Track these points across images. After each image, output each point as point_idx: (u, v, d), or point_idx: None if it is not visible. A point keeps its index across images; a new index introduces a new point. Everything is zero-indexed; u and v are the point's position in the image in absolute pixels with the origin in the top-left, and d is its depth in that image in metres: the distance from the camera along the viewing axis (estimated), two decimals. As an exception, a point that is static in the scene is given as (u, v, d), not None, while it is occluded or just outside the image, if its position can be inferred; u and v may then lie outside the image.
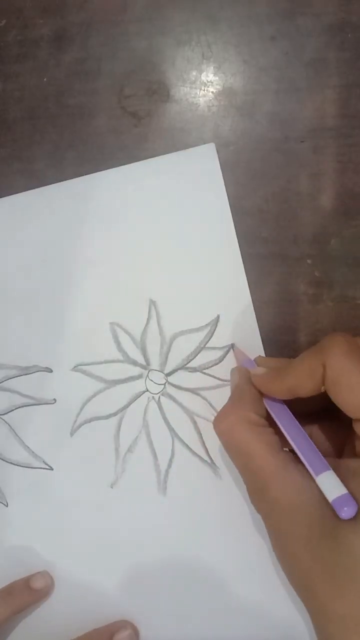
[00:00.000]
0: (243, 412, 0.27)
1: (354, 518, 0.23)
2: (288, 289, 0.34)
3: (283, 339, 0.34)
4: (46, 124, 0.37)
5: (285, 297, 0.34)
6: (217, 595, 0.33)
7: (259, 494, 0.25)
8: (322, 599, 0.22)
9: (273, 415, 0.27)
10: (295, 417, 0.27)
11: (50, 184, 0.36)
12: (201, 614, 0.34)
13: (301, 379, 0.25)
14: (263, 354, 0.33)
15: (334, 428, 0.29)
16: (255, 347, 0.34)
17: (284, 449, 0.26)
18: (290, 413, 0.27)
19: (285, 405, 0.28)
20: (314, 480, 0.24)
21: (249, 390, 0.28)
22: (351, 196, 0.33)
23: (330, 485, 0.23)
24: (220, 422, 0.27)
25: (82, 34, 0.36)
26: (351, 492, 0.23)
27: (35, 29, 0.37)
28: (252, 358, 0.32)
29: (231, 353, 0.34)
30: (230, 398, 0.29)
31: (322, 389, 0.25)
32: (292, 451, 0.26)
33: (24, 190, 0.36)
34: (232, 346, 0.34)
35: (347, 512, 0.22)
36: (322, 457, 0.25)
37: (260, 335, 0.34)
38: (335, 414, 0.25)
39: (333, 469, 0.24)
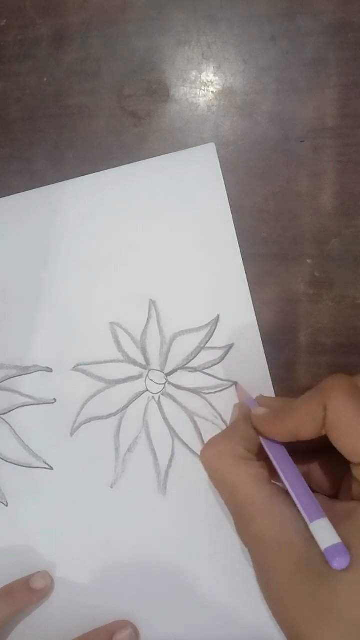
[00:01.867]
0: (232, 444, 0.26)
1: None
2: (288, 289, 0.34)
3: (283, 339, 0.34)
4: (46, 124, 0.37)
5: (285, 297, 0.34)
6: (218, 595, 0.33)
7: (245, 526, 0.25)
8: (307, 636, 0.22)
9: (270, 456, 0.27)
10: (293, 454, 0.27)
11: (50, 184, 0.36)
12: (201, 614, 0.34)
13: (302, 422, 0.25)
14: (263, 354, 0.34)
15: (331, 466, 0.28)
16: (255, 347, 0.34)
17: (272, 482, 0.26)
18: (288, 455, 0.27)
19: (283, 447, 0.27)
20: (300, 515, 0.24)
21: (244, 426, 0.28)
22: (351, 196, 0.33)
23: (324, 533, 0.23)
24: (207, 450, 0.27)
25: (82, 34, 0.36)
26: (343, 536, 0.22)
27: (35, 29, 0.37)
28: (255, 397, 0.31)
29: (231, 353, 0.34)
30: (223, 430, 0.29)
31: (323, 433, 0.25)
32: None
33: (24, 190, 0.36)
34: (236, 384, 0.34)
35: (339, 562, 0.22)
36: (317, 502, 0.24)
37: (260, 335, 0.34)
38: (334, 452, 0.25)
39: (327, 510, 0.24)
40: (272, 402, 0.30)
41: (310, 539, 0.23)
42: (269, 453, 0.27)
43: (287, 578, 0.23)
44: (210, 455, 0.27)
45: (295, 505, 0.24)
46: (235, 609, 0.33)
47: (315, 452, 0.28)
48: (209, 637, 0.33)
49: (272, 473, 0.27)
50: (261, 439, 0.28)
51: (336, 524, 0.23)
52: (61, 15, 0.36)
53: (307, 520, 0.24)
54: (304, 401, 0.25)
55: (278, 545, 0.23)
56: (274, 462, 0.27)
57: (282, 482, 0.26)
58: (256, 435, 0.28)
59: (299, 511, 0.24)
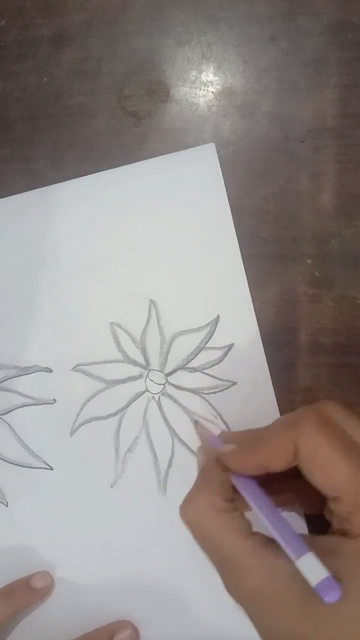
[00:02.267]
0: (208, 498, 0.25)
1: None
2: (288, 289, 0.34)
3: (283, 339, 0.34)
4: (46, 124, 0.37)
5: (285, 297, 0.34)
6: (218, 595, 0.33)
7: (233, 583, 0.24)
8: None
9: (244, 495, 0.26)
10: (267, 483, 0.26)
11: (50, 184, 0.36)
12: (201, 614, 0.34)
13: (273, 456, 0.25)
14: (263, 354, 0.34)
15: (308, 496, 0.27)
16: (255, 347, 0.34)
17: (253, 531, 0.25)
18: (262, 492, 0.26)
19: (255, 482, 0.26)
20: (287, 559, 0.23)
21: (215, 472, 0.27)
22: (351, 196, 0.33)
23: (312, 569, 0.22)
24: (185, 510, 0.26)
25: (82, 34, 0.36)
26: (333, 573, 0.22)
27: (35, 29, 0.37)
28: (216, 434, 0.31)
29: (231, 353, 0.34)
30: (196, 482, 0.28)
31: (294, 464, 0.24)
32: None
33: (24, 190, 0.36)
34: (195, 422, 0.33)
35: (332, 596, 0.21)
36: (300, 538, 0.23)
37: (260, 335, 0.34)
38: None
39: (312, 546, 0.23)
40: (237, 436, 0.29)
41: (302, 582, 0.22)
42: (242, 492, 0.26)
43: (286, 627, 0.22)
44: (189, 517, 0.26)
45: (281, 551, 0.23)
46: (235, 609, 0.33)
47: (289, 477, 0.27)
48: (209, 637, 0.33)
49: (253, 521, 0.26)
50: (232, 478, 0.27)
51: (323, 560, 0.22)
52: (61, 15, 0.36)
53: (292, 557, 0.23)
54: (274, 435, 0.25)
55: (270, 598, 0.23)
56: (249, 502, 0.26)
57: (260, 520, 0.25)
58: (229, 480, 0.27)
59: (284, 556, 0.23)
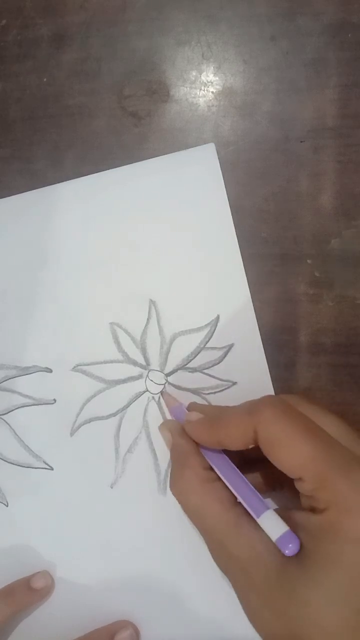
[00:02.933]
0: (190, 471, 0.27)
1: (302, 566, 0.23)
2: (288, 289, 0.34)
3: (283, 339, 0.34)
4: (46, 124, 0.37)
5: (285, 297, 0.34)
6: (218, 595, 0.33)
7: (217, 552, 0.26)
8: None
9: (210, 462, 0.28)
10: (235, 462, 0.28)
11: (50, 184, 0.36)
12: (201, 614, 0.34)
13: (231, 436, 0.26)
14: (263, 354, 0.34)
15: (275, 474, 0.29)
16: (255, 347, 0.34)
17: (238, 502, 0.26)
18: (227, 458, 0.28)
19: (223, 454, 0.28)
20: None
21: (186, 444, 0.29)
22: (351, 196, 0.33)
23: (272, 525, 0.24)
24: (173, 489, 0.28)
25: (82, 34, 0.36)
26: (303, 545, 0.23)
27: (35, 29, 0.37)
28: (184, 403, 0.32)
29: (231, 353, 0.34)
30: (173, 459, 0.29)
31: (251, 446, 0.25)
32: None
33: (24, 190, 0.36)
34: (162, 393, 0.34)
35: (291, 549, 0.23)
36: (261, 498, 0.25)
37: (260, 335, 0.34)
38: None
39: (287, 520, 0.24)
40: (203, 409, 0.31)
41: (277, 553, 0.24)
42: (208, 460, 0.28)
43: (262, 597, 0.24)
44: (177, 495, 0.27)
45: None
46: (235, 609, 0.33)
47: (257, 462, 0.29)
48: (209, 637, 0.33)
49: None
50: (200, 447, 0.29)
51: (304, 537, 0.24)
52: (61, 15, 0.36)
53: (254, 516, 0.24)
54: (234, 417, 0.26)
55: (249, 567, 0.24)
56: (214, 467, 0.27)
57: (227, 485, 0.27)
58: (200, 450, 0.29)
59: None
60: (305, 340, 0.34)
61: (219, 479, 0.27)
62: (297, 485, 0.24)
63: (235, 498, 0.26)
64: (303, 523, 0.24)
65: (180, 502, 0.27)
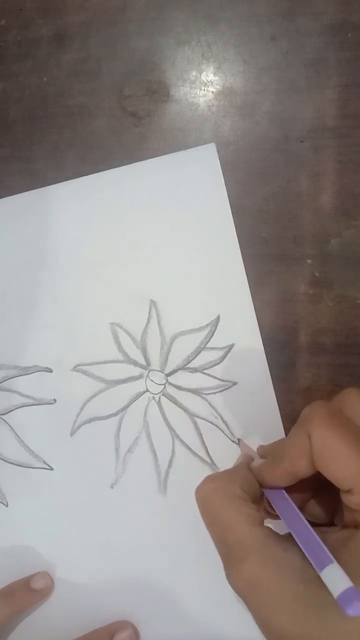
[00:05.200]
0: (229, 483, 0.26)
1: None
2: (288, 289, 0.34)
3: (283, 339, 0.34)
4: (46, 124, 0.37)
5: (285, 297, 0.34)
6: (218, 595, 0.33)
7: (236, 569, 0.24)
8: None
9: (274, 505, 0.26)
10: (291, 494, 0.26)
11: (50, 184, 0.36)
12: (201, 614, 0.34)
13: (295, 459, 0.24)
14: (263, 354, 0.34)
15: (327, 494, 0.28)
16: (255, 347, 0.34)
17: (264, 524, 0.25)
18: (291, 502, 0.26)
19: (284, 493, 0.26)
20: (296, 555, 0.23)
21: (244, 470, 0.27)
22: (351, 196, 0.33)
23: (336, 580, 0.22)
24: (201, 486, 0.26)
25: (82, 34, 0.36)
26: (341, 564, 0.22)
27: (35, 29, 0.37)
28: (256, 448, 0.31)
29: (231, 353, 0.34)
30: (224, 470, 0.28)
31: (314, 468, 0.24)
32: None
33: (24, 190, 0.36)
34: (239, 440, 0.34)
35: (355, 608, 0.20)
36: (325, 548, 0.23)
37: (260, 335, 0.34)
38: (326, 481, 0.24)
39: (323, 540, 0.23)
40: (268, 449, 0.29)
41: (309, 579, 0.22)
42: (271, 501, 0.26)
43: (287, 619, 0.22)
44: (203, 493, 0.26)
45: (289, 546, 0.24)
46: (236, 609, 0.33)
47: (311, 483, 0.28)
48: (209, 637, 0.33)
49: (270, 517, 0.26)
50: (264, 490, 0.27)
51: (332, 552, 0.22)
52: (61, 15, 0.36)
53: (316, 568, 0.22)
54: (291, 437, 0.25)
55: (274, 588, 0.23)
56: (278, 511, 0.26)
57: (287, 529, 0.25)
58: (256, 482, 0.27)
59: (293, 552, 0.23)
60: (305, 340, 0.34)
61: (252, 501, 0.26)
62: (345, 497, 0.23)
63: (263, 520, 0.25)
64: (345, 540, 0.23)
65: (201, 504, 0.26)
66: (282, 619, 0.22)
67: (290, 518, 0.25)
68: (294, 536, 0.24)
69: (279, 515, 0.26)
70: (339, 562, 0.22)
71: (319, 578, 0.22)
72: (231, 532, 0.24)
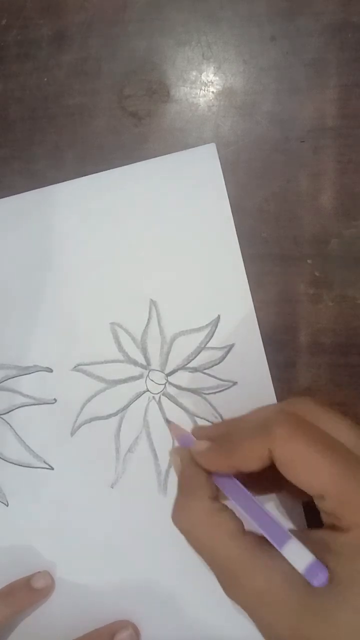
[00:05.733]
0: (197, 503, 0.26)
1: (330, 588, 0.22)
2: (288, 289, 0.34)
3: (283, 339, 0.34)
4: (46, 124, 0.37)
5: (285, 297, 0.34)
6: (218, 595, 0.33)
7: (231, 587, 0.24)
8: None
9: (225, 493, 0.26)
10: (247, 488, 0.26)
11: (50, 184, 0.36)
12: (201, 614, 0.34)
13: (245, 460, 0.25)
14: (263, 354, 0.34)
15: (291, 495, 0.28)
16: (255, 347, 0.34)
17: (246, 530, 0.25)
18: (241, 486, 0.26)
19: (234, 479, 0.26)
20: (282, 558, 0.23)
21: (195, 474, 0.27)
22: (351, 196, 0.33)
23: (297, 555, 0.22)
24: (177, 519, 0.26)
25: (82, 34, 0.36)
26: (330, 567, 0.22)
27: (35, 29, 0.37)
28: (189, 430, 0.30)
29: (232, 353, 0.34)
30: (180, 487, 0.28)
31: (268, 465, 0.24)
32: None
33: (24, 191, 0.36)
34: (167, 421, 0.34)
35: (319, 579, 0.22)
36: (282, 527, 0.24)
37: (261, 335, 0.34)
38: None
39: (304, 540, 0.23)
40: (209, 432, 0.29)
41: (297, 579, 0.22)
42: (222, 490, 0.26)
43: (285, 625, 0.23)
44: (183, 523, 0.26)
45: (275, 549, 0.24)
46: (236, 609, 0.33)
47: (270, 483, 0.28)
48: (209, 637, 0.33)
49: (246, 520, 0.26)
50: (213, 476, 0.27)
51: (321, 556, 0.23)
52: (61, 15, 0.36)
53: (276, 546, 0.23)
54: (246, 440, 0.25)
55: (267, 597, 0.23)
56: (230, 498, 0.26)
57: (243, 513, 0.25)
58: (210, 478, 0.27)
59: (280, 555, 0.23)
60: (305, 340, 0.34)
61: (226, 508, 0.26)
62: (318, 502, 0.24)
63: (243, 527, 0.25)
64: (327, 543, 0.23)
65: (185, 534, 0.26)
66: (282, 624, 0.23)
67: (243, 501, 0.25)
68: (249, 518, 0.25)
69: (231, 499, 0.26)
70: (328, 566, 0.22)
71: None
72: (217, 553, 0.25)
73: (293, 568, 0.22)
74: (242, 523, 0.25)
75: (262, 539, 0.24)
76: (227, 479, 0.26)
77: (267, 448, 0.24)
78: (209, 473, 0.27)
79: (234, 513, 0.26)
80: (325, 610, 0.22)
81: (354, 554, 0.22)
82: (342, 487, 0.22)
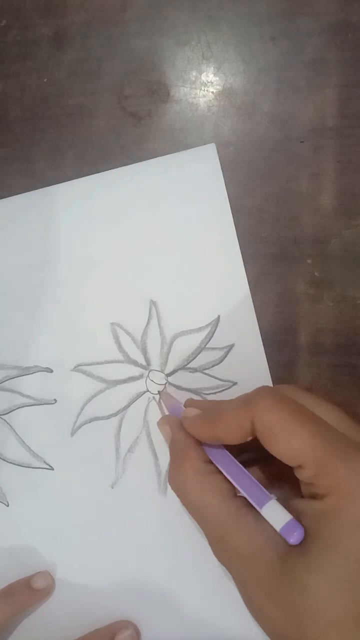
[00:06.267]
0: (190, 464, 0.27)
1: (303, 553, 0.23)
2: (288, 289, 0.34)
3: (283, 339, 0.34)
4: (46, 124, 0.37)
5: (285, 297, 0.34)
6: (218, 595, 0.33)
7: (218, 545, 0.26)
8: None
9: (210, 457, 0.28)
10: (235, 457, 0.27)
11: (50, 184, 0.36)
12: (201, 614, 0.34)
13: (228, 430, 0.26)
14: (263, 354, 0.34)
15: (274, 468, 0.29)
16: (255, 347, 0.34)
17: (238, 494, 0.26)
18: (227, 452, 0.27)
19: (224, 449, 0.28)
20: (270, 526, 0.24)
21: (185, 438, 0.29)
22: (351, 196, 0.33)
23: (276, 514, 0.24)
24: (172, 481, 0.28)
25: (82, 34, 0.36)
26: (306, 532, 0.23)
27: (35, 29, 0.37)
28: (182, 401, 0.32)
29: (232, 353, 0.34)
30: (172, 452, 0.29)
31: (249, 439, 0.25)
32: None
33: (24, 191, 0.36)
34: (159, 392, 0.34)
35: (295, 537, 0.23)
36: (263, 488, 0.25)
37: (260, 335, 0.34)
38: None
39: (294, 512, 0.24)
40: (200, 404, 0.31)
41: (280, 544, 0.23)
42: (208, 453, 0.28)
43: (264, 589, 0.23)
44: (176, 488, 0.27)
45: (261, 517, 0.25)
46: (236, 609, 0.33)
47: (256, 457, 0.29)
48: (209, 637, 0.33)
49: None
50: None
51: (306, 524, 0.23)
52: (61, 15, 0.36)
53: (257, 507, 0.24)
54: (229, 412, 0.26)
55: (251, 559, 0.24)
56: (214, 461, 0.27)
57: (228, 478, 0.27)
58: (199, 444, 0.29)
59: (266, 522, 0.24)
60: (305, 340, 0.34)
61: (219, 471, 0.27)
62: (297, 473, 0.24)
63: (236, 491, 0.26)
64: (304, 510, 0.24)
65: (179, 495, 0.27)
66: (259, 590, 0.24)
67: (227, 465, 0.27)
68: (232, 481, 0.26)
69: (213, 461, 0.27)
70: (305, 531, 0.23)
71: (291, 546, 0.23)
72: (207, 512, 0.26)
73: (275, 531, 0.24)
74: (233, 487, 0.26)
75: (251, 504, 0.25)
76: (217, 449, 0.28)
77: (249, 419, 0.25)
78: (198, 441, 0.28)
79: (225, 477, 0.27)
80: (296, 574, 0.22)
81: (327, 519, 0.23)
82: (320, 455, 0.23)
